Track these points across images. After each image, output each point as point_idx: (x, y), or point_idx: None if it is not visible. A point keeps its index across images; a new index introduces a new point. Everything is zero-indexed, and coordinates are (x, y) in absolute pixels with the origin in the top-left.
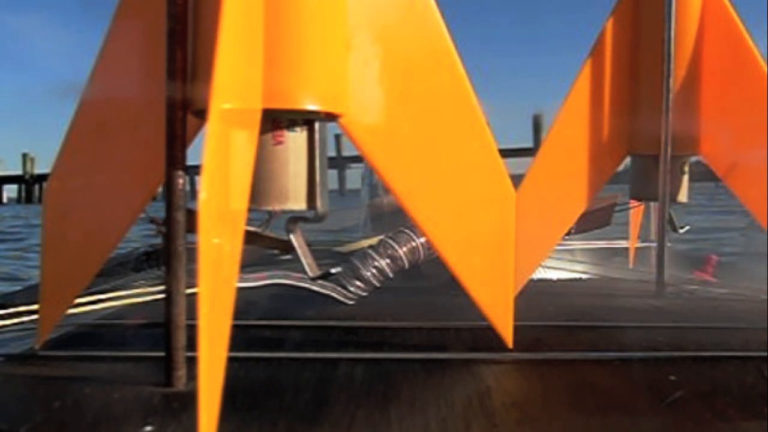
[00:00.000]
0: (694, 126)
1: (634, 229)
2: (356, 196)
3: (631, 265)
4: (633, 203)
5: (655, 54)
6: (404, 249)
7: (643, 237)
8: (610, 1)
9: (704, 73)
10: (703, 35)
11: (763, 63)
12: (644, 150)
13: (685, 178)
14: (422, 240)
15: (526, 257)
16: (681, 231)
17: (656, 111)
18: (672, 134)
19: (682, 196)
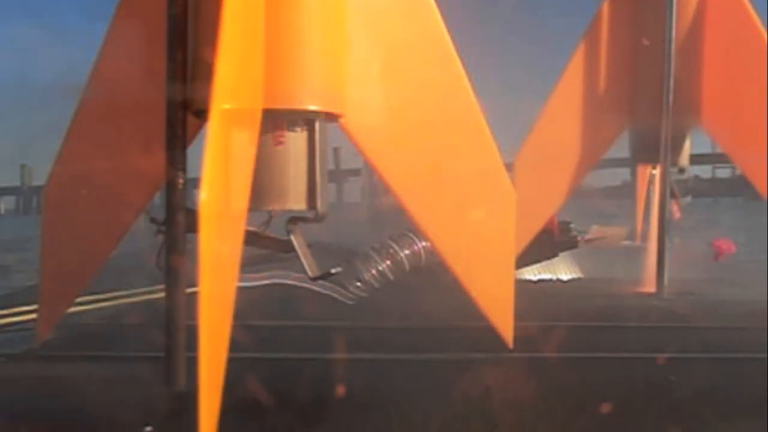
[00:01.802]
0: (696, 97)
1: (640, 200)
2: (355, 208)
3: (638, 241)
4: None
5: (656, 25)
6: (406, 252)
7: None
8: None
9: (706, 45)
10: (705, 7)
11: (764, 33)
12: (644, 120)
13: (687, 143)
14: (424, 243)
15: (525, 224)
16: (684, 202)
17: (656, 81)
18: (674, 105)
19: (684, 160)
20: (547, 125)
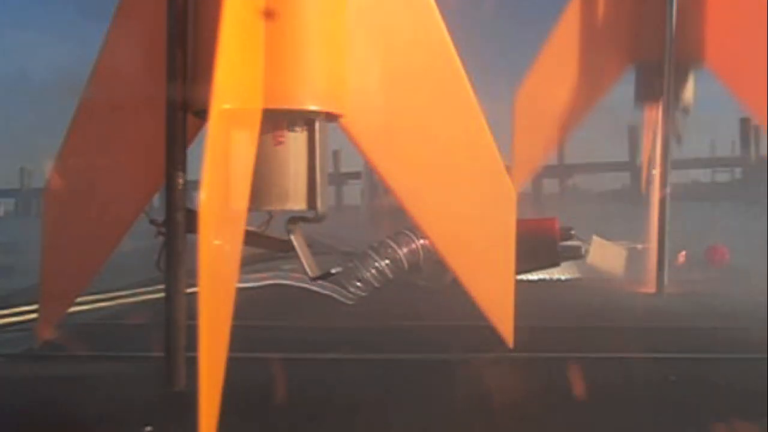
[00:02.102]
0: (700, 35)
1: (646, 143)
2: (355, 212)
3: (643, 187)
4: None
5: None
6: (404, 250)
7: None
8: None
9: None
10: None
11: None
12: (647, 57)
13: (691, 81)
14: (422, 241)
15: (524, 162)
16: (679, 143)
17: (659, 18)
18: (677, 43)
19: (688, 99)
20: (548, 62)
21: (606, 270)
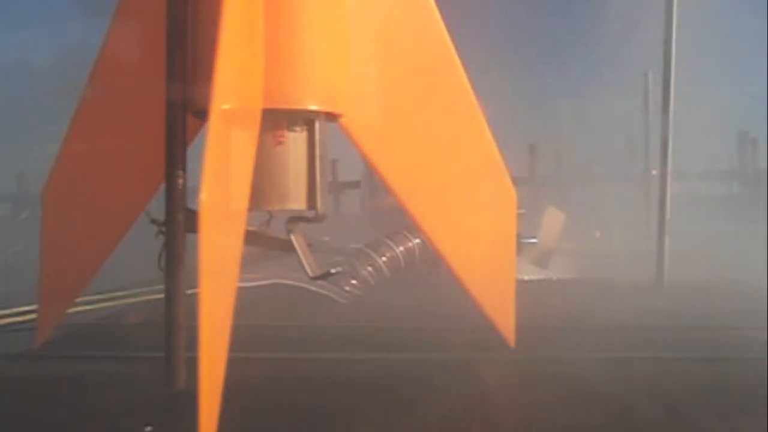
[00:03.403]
0: None
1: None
2: (354, 221)
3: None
4: None
5: None
6: (400, 249)
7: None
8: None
9: None
10: None
11: None
12: None
13: None
14: (418, 240)
15: None
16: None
17: None
18: None
19: None
20: None
21: (549, 236)
